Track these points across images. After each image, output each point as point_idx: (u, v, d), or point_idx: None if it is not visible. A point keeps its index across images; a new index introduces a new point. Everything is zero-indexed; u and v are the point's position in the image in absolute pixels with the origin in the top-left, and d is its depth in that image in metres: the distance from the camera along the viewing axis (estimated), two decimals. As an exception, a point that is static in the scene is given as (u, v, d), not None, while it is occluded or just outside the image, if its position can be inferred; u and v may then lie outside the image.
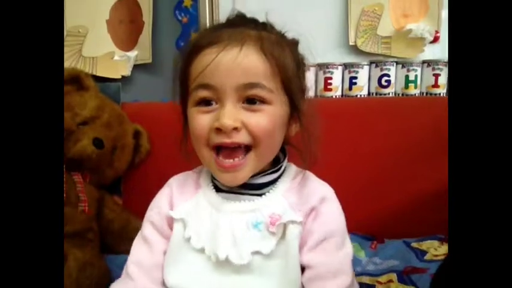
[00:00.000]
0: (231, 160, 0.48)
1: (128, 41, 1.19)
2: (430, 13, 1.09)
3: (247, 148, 0.48)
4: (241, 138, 0.47)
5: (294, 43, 0.53)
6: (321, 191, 0.51)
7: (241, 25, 0.50)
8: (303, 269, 0.49)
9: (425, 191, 0.91)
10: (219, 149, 0.48)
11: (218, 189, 0.53)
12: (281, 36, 0.52)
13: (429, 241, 0.84)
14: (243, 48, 0.46)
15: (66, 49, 1.15)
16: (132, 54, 1.18)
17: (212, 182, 0.54)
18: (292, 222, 0.48)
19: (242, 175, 0.49)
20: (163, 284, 0.52)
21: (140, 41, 1.18)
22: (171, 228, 0.53)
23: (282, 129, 0.51)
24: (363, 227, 0.92)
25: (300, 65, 0.53)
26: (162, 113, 1.06)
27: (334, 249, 0.49)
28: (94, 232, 0.84)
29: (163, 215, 0.54)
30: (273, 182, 0.52)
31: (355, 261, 0.81)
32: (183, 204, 0.53)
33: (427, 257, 0.78)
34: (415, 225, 0.90)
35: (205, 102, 0.48)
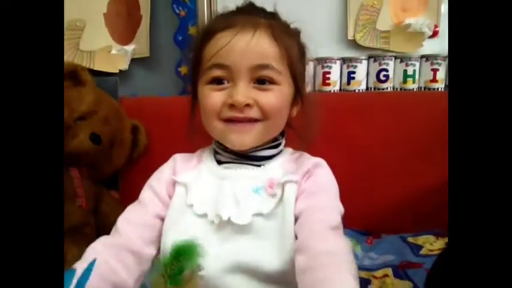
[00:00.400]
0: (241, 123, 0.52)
1: (125, 34, 1.18)
2: (429, 7, 1.09)
3: (256, 121, 0.53)
4: (253, 113, 0.52)
5: (297, 33, 0.58)
6: (314, 159, 0.56)
7: (251, 13, 0.54)
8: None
9: (422, 186, 0.92)
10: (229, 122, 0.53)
11: (220, 163, 0.56)
12: (287, 26, 0.57)
13: (425, 236, 0.84)
14: (255, 33, 0.51)
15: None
16: (130, 48, 1.17)
17: (214, 156, 0.57)
18: (290, 181, 0.52)
19: (249, 138, 0.53)
20: (153, 246, 0.53)
21: (138, 35, 1.18)
22: (168, 194, 0.56)
23: (287, 108, 0.56)
24: (360, 222, 0.92)
25: (302, 53, 0.58)
26: (159, 107, 1.06)
27: (323, 199, 0.51)
28: (91, 227, 0.84)
29: (164, 181, 0.56)
30: (271, 157, 0.56)
31: (352, 256, 0.81)
32: (186, 172, 0.57)
33: (422, 251, 0.79)
34: (411, 220, 0.91)
35: (218, 81, 0.52)
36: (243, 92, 0.50)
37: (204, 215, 0.52)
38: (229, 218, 0.50)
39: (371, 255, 0.81)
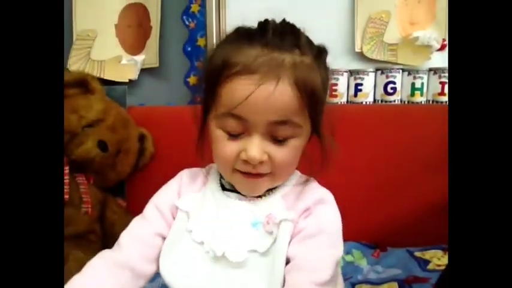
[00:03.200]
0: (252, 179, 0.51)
1: (135, 45, 1.20)
2: (437, 21, 1.09)
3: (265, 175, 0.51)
4: (265, 169, 0.49)
5: (325, 54, 0.52)
6: (318, 193, 0.52)
7: (275, 44, 0.48)
8: (288, 263, 0.49)
9: (430, 200, 0.90)
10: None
11: (224, 188, 0.55)
12: (314, 52, 0.50)
13: (433, 251, 0.83)
14: (279, 84, 0.46)
15: (75, 52, 1.17)
16: (140, 58, 1.19)
17: (220, 181, 0.56)
18: (285, 220, 0.50)
19: (259, 189, 0.52)
20: (154, 263, 0.53)
21: (148, 46, 1.20)
22: (173, 216, 0.55)
23: (300, 155, 0.52)
24: (367, 235, 0.92)
25: (326, 81, 0.53)
26: (167, 117, 1.07)
27: (320, 246, 0.48)
28: (96, 234, 0.84)
29: (169, 202, 0.55)
30: (276, 187, 0.54)
31: (357, 269, 0.80)
32: (190, 195, 0.55)
33: (429, 266, 0.77)
34: (419, 234, 0.89)
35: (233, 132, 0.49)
36: (258, 147, 0.47)
37: (201, 243, 0.51)
38: (223, 254, 0.49)
39: (377, 268, 0.80)
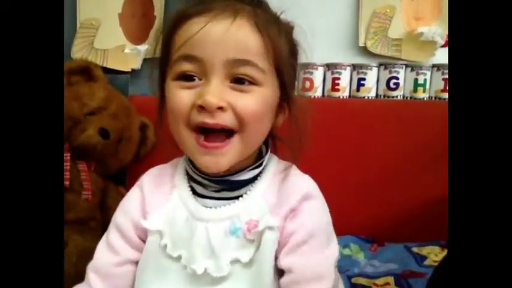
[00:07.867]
0: (215, 143, 0.44)
1: (139, 34, 1.20)
2: (442, 16, 1.08)
3: (231, 133, 0.44)
4: (226, 120, 0.42)
5: (290, 27, 0.49)
6: (301, 188, 0.47)
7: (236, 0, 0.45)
8: (282, 272, 0.46)
9: (429, 196, 0.91)
10: (201, 132, 0.44)
11: (194, 192, 0.48)
12: (277, 17, 0.48)
13: (430, 247, 0.84)
14: (236, 20, 0.42)
15: (78, 41, 1.17)
16: (143, 48, 1.19)
17: (189, 183, 0.49)
18: (269, 228, 0.45)
19: (226, 160, 0.44)
20: None
21: (151, 35, 1.19)
22: (140, 237, 0.49)
23: (270, 115, 0.47)
24: (365, 230, 0.92)
25: (294, 51, 0.49)
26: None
27: (316, 252, 0.45)
28: (97, 221, 0.85)
29: (132, 223, 0.49)
30: (253, 179, 0.48)
31: (354, 263, 0.81)
32: (157, 212, 0.48)
33: (426, 262, 0.78)
34: (417, 230, 0.90)
35: (187, 77, 0.43)
36: (215, 91, 0.41)
37: (178, 258, 0.47)
38: (205, 270, 0.45)
39: (374, 262, 0.81)
